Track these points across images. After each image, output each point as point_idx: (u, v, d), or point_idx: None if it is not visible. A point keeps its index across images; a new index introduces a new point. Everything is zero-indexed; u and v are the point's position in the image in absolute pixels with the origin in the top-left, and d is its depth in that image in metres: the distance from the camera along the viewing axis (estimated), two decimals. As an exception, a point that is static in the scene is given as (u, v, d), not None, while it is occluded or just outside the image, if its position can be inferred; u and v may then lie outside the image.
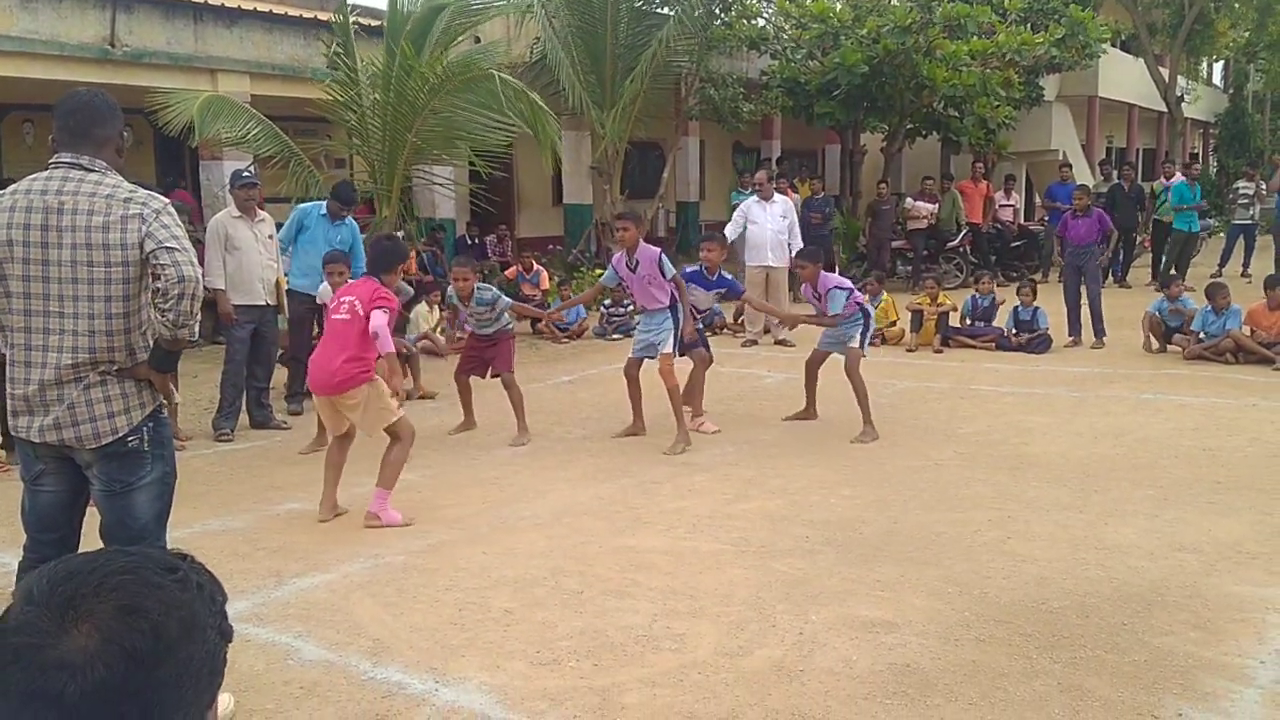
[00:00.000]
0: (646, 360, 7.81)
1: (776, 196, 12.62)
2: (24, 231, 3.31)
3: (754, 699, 3.72)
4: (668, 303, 7.65)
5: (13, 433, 3.54)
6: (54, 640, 1.03)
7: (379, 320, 5.73)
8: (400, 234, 12.22)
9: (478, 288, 7.91)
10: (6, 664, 1.03)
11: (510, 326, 8.17)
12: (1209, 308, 10.75)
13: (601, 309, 13.38)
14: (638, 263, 7.57)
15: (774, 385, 9.86)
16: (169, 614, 1.07)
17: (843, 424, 8.02)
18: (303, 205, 8.91)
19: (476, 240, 16.14)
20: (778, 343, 12.19)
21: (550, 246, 17.17)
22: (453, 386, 8.35)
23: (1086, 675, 3.87)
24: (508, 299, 8.22)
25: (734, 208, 16.61)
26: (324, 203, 8.81)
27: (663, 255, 7.63)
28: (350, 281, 6.80)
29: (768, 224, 12.14)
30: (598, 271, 14.95)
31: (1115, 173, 18.60)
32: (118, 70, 11.04)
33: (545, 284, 13.79)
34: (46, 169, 3.42)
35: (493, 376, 8.05)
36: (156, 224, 3.34)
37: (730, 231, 12.16)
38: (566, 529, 5.71)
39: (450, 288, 8.09)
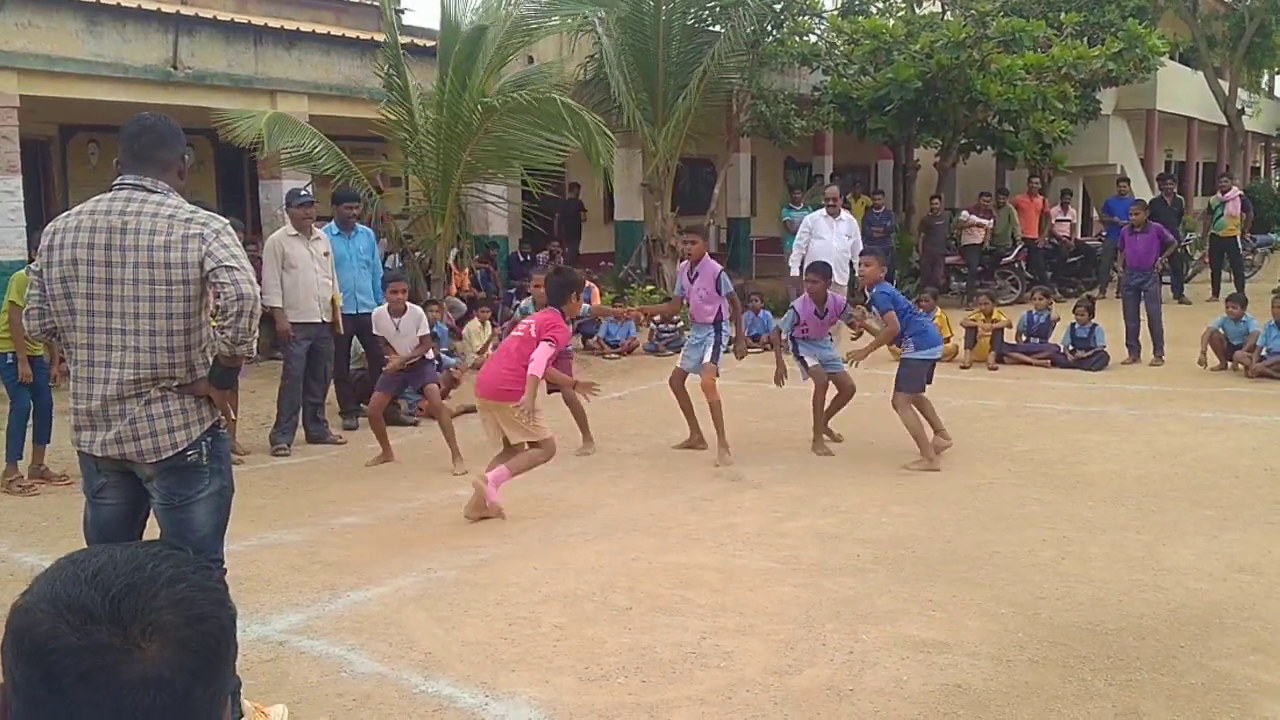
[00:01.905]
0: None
1: (843, 214, 12.55)
2: (89, 251, 3.40)
3: (803, 718, 3.71)
4: (713, 319, 7.83)
5: (75, 446, 3.62)
6: (126, 658, 1.04)
7: (541, 350, 6.17)
8: (454, 251, 12.37)
9: None
10: (73, 684, 1.03)
11: (569, 346, 8.22)
12: (1272, 323, 10.55)
13: (652, 325, 13.40)
14: (698, 275, 7.85)
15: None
16: (222, 610, 1.12)
17: (892, 442, 7.98)
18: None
19: (529, 257, 16.26)
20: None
21: (602, 263, 17.24)
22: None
23: (1142, 698, 3.81)
24: (586, 305, 8.33)
25: (785, 223, 16.64)
26: (331, 222, 8.92)
27: (723, 273, 7.85)
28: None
29: (833, 241, 11.99)
30: (649, 288, 15.02)
31: (1157, 186, 18.36)
32: (180, 92, 11.28)
33: (597, 300, 13.83)
34: (110, 190, 3.51)
35: (550, 393, 8.05)
36: (216, 243, 3.41)
37: (794, 263, 12.13)
38: (616, 545, 5.73)
39: (525, 300, 8.17)
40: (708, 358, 7.77)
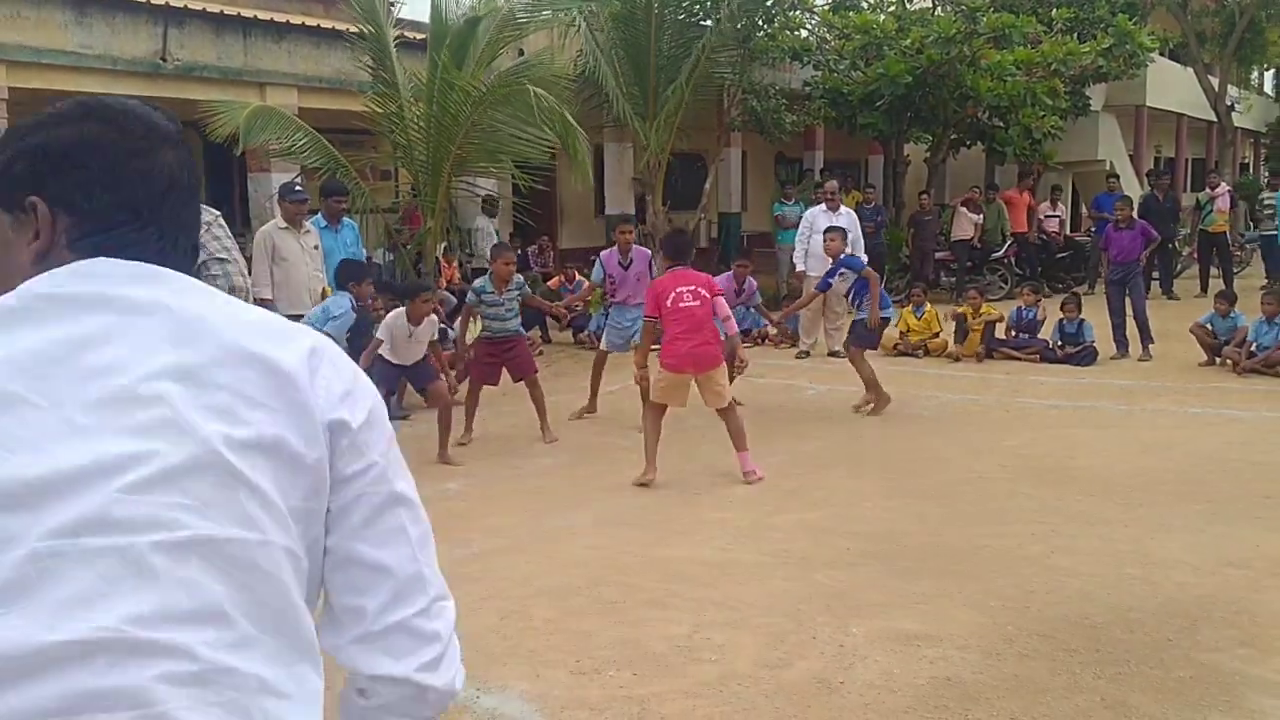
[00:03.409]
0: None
1: (842, 208, 12.60)
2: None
3: (794, 711, 3.72)
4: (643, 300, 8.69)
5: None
6: (156, 150, 1.30)
7: (725, 307, 6.97)
8: (443, 245, 12.35)
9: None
10: (126, 160, 1.26)
11: (521, 329, 8.37)
12: (1262, 319, 10.60)
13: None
14: (632, 261, 8.81)
15: (816, 396, 9.83)
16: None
17: (882, 437, 8.00)
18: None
19: (519, 251, 16.24)
20: (831, 354, 12.12)
21: (592, 258, 17.16)
22: (501, 392, 8.50)
23: (1130, 691, 3.83)
24: (528, 288, 8.60)
25: (775, 219, 16.64)
26: (318, 215, 8.88)
27: (653, 257, 8.78)
28: (674, 273, 7.15)
29: None
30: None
31: (1150, 184, 18.39)
32: (169, 84, 11.23)
33: (588, 291, 13.82)
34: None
35: (517, 381, 8.23)
36: (207, 236, 3.41)
37: (798, 258, 12.27)
38: (607, 539, 5.74)
39: (483, 278, 8.21)
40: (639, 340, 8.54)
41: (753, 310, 10.36)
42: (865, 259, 12.76)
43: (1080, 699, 3.78)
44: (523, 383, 8.27)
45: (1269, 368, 10.33)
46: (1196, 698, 3.78)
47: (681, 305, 6.85)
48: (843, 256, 8.92)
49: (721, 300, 6.99)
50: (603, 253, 9.16)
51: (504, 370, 8.24)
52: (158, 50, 11.13)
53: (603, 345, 8.99)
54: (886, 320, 9.05)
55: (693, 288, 6.89)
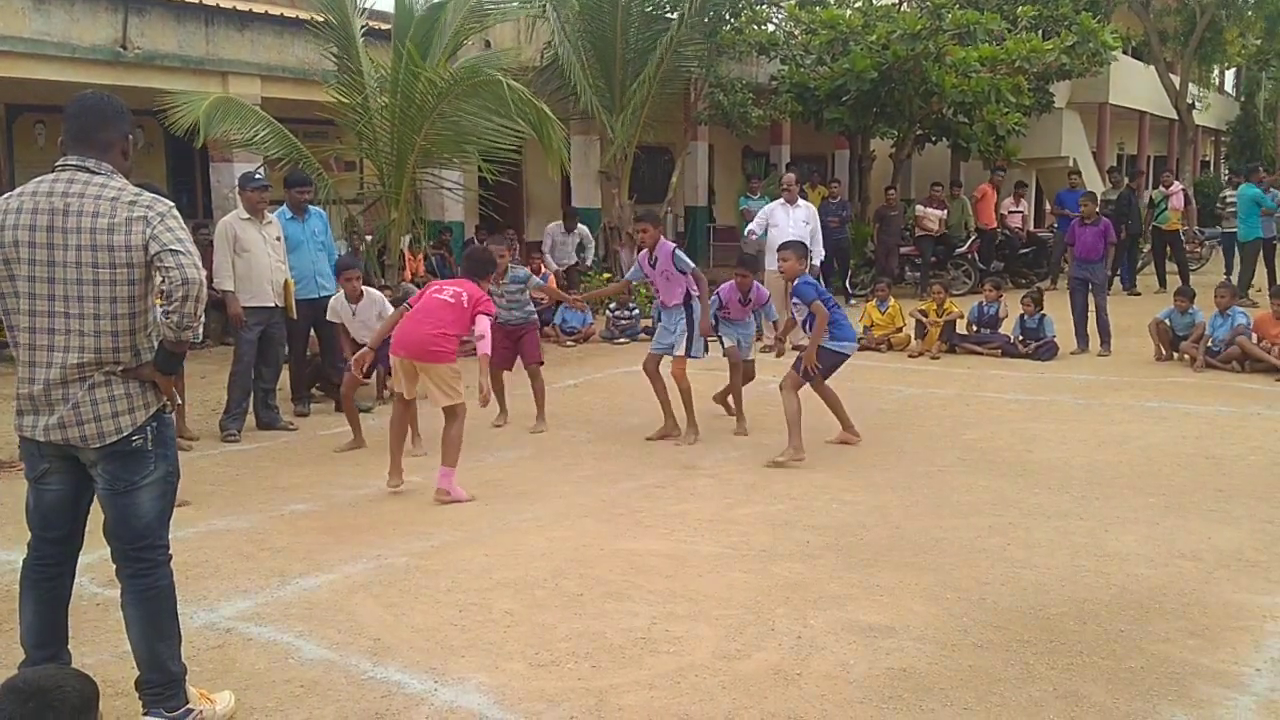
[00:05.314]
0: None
1: (800, 201, 12.64)
2: (30, 233, 3.35)
3: (750, 702, 3.74)
4: (683, 299, 7.83)
5: (18, 431, 3.57)
6: None
7: (484, 325, 6.34)
8: (408, 236, 12.29)
9: (510, 266, 8.26)
10: None
11: (534, 317, 8.38)
12: (1216, 313, 10.76)
13: (608, 314, 13.41)
14: (657, 259, 7.86)
15: (777, 391, 9.85)
16: None
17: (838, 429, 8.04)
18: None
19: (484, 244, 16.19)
20: (795, 348, 12.17)
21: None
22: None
23: (1082, 681, 3.88)
24: (538, 279, 8.59)
25: (741, 213, 16.69)
26: (283, 206, 8.82)
27: (677, 249, 7.88)
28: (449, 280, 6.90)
29: (790, 228, 12.06)
30: (605, 275, 15.03)
31: (1126, 180, 18.55)
32: (129, 72, 11.12)
33: (553, 285, 13.82)
34: (53, 171, 3.46)
35: (524, 366, 8.32)
36: (161, 226, 3.37)
37: (756, 227, 12.33)
38: (568, 531, 5.74)
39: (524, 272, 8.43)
40: (680, 349, 7.82)
41: (771, 321, 9.58)
42: (823, 252, 12.86)
43: (1033, 689, 3.83)
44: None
45: (1224, 363, 10.48)
46: (1147, 687, 3.84)
47: (434, 296, 6.45)
48: (797, 281, 7.56)
49: (484, 320, 6.36)
50: (640, 253, 8.24)
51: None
52: (118, 38, 11.02)
53: (651, 349, 8.18)
54: (843, 356, 7.56)
55: (458, 289, 6.45)
